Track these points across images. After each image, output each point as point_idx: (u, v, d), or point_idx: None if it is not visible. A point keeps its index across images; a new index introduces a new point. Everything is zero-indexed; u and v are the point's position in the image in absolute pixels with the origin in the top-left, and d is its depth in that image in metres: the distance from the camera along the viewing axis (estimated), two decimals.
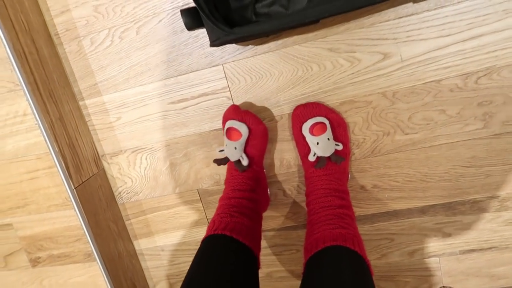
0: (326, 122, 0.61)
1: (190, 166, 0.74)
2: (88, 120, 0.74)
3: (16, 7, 0.64)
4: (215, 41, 0.51)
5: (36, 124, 0.66)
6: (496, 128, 0.63)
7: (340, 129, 0.63)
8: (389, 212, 0.71)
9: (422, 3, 0.59)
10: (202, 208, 0.76)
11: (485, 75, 0.60)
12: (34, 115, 0.65)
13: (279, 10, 0.50)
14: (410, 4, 0.59)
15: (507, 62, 0.59)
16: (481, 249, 0.70)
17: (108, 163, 0.76)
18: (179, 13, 0.51)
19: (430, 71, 0.62)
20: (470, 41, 0.59)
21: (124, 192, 0.78)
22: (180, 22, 0.64)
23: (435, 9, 0.59)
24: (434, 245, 0.71)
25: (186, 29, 0.63)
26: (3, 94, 0.66)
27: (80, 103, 0.73)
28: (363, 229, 0.72)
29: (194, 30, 0.51)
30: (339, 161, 0.60)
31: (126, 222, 0.80)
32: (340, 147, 0.60)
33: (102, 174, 0.76)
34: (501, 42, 0.59)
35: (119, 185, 0.78)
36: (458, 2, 0.58)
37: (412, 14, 0.59)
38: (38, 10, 0.68)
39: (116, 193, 0.78)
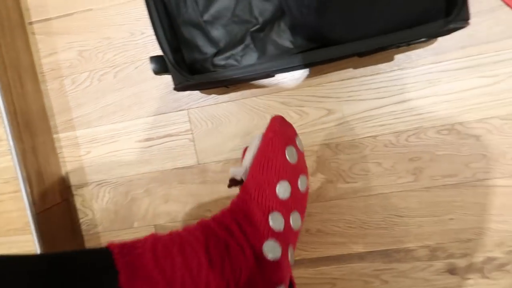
0: None
1: (149, 202, 0.79)
2: (59, 152, 0.79)
3: (9, 46, 0.72)
4: (177, 85, 0.59)
5: (9, 150, 0.71)
6: (425, 182, 0.71)
7: None
8: (331, 257, 0.75)
9: (360, 69, 0.69)
10: None
11: (414, 134, 0.70)
12: (8, 141, 0.70)
13: (233, 63, 0.59)
14: (351, 69, 0.69)
15: (432, 124, 0.69)
16: None
17: (72, 194, 0.81)
18: (150, 61, 0.60)
19: (367, 128, 0.71)
20: (400, 104, 0.69)
21: (84, 224, 0.81)
22: (151, 73, 0.73)
23: (371, 75, 0.69)
24: None
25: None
26: None
27: (54, 136, 0.79)
28: (308, 272, 0.76)
29: (160, 75, 0.59)
30: None
31: None
32: None
33: (65, 204, 0.80)
34: (427, 107, 0.69)
35: (80, 217, 0.81)
36: (391, 71, 0.68)
37: (352, 78, 0.70)
38: (29, 51, 0.77)
39: (76, 225, 0.81)
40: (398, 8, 0.54)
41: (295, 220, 0.44)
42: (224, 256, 0.39)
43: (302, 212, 0.46)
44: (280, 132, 0.47)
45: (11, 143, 0.70)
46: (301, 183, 0.46)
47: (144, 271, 0.35)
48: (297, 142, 0.50)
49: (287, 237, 0.42)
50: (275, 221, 0.41)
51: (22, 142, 0.72)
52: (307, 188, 0.49)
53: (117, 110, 0.76)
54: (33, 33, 0.77)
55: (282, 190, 0.43)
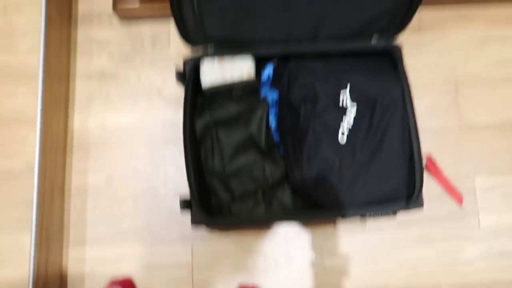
0: None
1: None
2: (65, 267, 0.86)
3: (51, 173, 0.85)
4: (195, 220, 0.72)
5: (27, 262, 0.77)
6: None
7: None
8: None
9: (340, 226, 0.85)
10: None
11: None
12: (30, 254, 0.77)
13: (245, 212, 0.75)
14: (333, 226, 0.86)
15: (394, 285, 0.83)
16: None
17: None
18: (179, 202, 0.73)
19: (346, 280, 0.84)
20: (369, 265, 0.84)
21: None
22: (166, 206, 0.87)
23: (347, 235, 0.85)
24: None
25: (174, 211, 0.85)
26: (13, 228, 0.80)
27: (64, 249, 0.87)
28: None
29: (184, 211, 0.73)
30: None
31: None
32: None
33: None
34: (389, 270, 0.84)
35: None
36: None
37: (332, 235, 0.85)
38: (63, 168, 0.90)
39: None
40: (373, 188, 0.73)
41: None
42: None
43: None
44: None
45: (32, 255, 0.77)
46: None
47: None
48: None
49: None
50: None
51: (40, 255, 0.78)
52: None
53: (128, 234, 0.87)
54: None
55: None
